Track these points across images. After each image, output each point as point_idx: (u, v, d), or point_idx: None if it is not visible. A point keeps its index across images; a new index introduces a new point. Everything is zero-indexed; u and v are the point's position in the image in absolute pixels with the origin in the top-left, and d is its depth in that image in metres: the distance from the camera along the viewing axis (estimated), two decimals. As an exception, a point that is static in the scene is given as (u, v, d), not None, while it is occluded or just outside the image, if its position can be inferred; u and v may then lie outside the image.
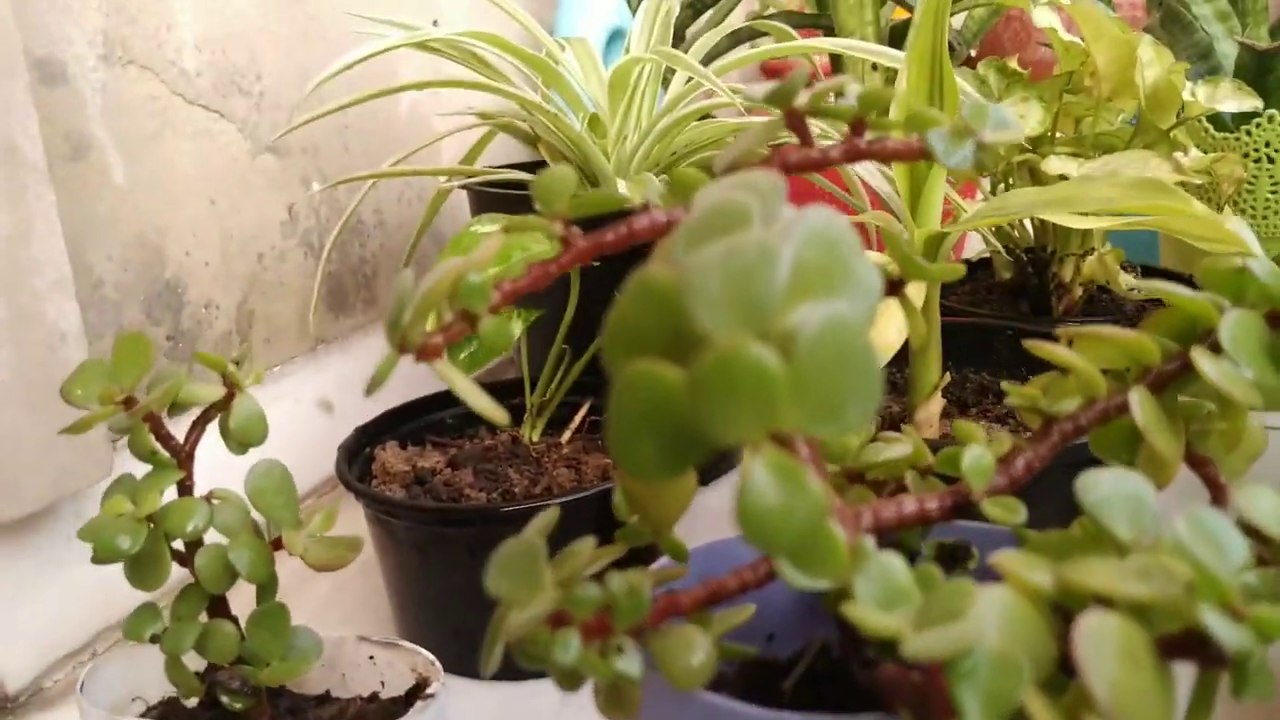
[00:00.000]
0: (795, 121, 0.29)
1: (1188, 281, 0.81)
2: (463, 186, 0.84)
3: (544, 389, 0.74)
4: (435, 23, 1.05)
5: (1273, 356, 0.30)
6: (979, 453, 0.30)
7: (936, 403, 0.58)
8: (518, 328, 0.71)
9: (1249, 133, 0.90)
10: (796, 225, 0.21)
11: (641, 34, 0.89)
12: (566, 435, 0.76)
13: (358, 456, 0.67)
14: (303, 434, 0.83)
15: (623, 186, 0.72)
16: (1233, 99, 0.66)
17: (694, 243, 0.21)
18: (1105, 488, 0.25)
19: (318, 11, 0.87)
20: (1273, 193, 0.91)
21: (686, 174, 0.30)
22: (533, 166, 0.89)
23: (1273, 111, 0.88)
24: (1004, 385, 0.32)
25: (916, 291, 0.54)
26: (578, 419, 0.77)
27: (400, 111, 1.00)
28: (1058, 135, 0.75)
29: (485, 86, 0.78)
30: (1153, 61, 0.69)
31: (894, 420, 0.60)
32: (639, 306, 0.21)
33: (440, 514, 0.60)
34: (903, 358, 0.60)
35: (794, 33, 1.01)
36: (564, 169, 0.29)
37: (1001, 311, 0.76)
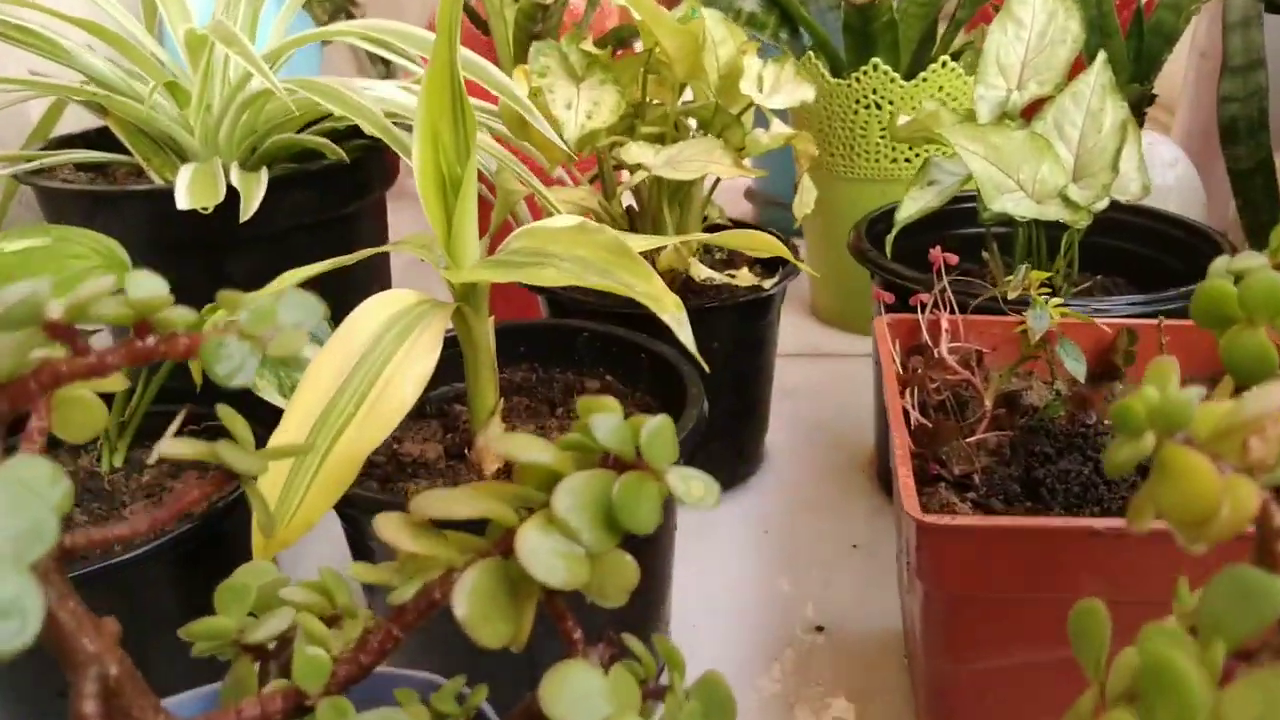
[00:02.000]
0: (60, 331, 0.26)
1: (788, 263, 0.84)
2: (16, 177, 0.74)
3: (121, 407, 0.68)
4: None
5: (609, 520, 0.30)
6: (314, 653, 0.29)
7: (495, 427, 0.57)
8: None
9: (858, 79, 0.93)
10: None
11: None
12: (155, 453, 0.71)
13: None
14: None
15: (182, 180, 0.65)
16: (785, 93, 0.67)
17: None
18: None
19: None
20: (881, 137, 0.94)
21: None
22: (107, 143, 0.80)
23: (877, 60, 0.91)
24: (352, 568, 0.31)
25: (444, 313, 0.52)
26: (170, 429, 0.72)
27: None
28: (654, 102, 0.75)
29: (22, 83, 0.68)
30: (725, 39, 0.69)
31: (459, 446, 0.60)
32: None
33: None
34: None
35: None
36: None
37: (599, 299, 0.76)
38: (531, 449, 0.31)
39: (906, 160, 0.95)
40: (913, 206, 0.67)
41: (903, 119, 0.66)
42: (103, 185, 0.75)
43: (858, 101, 0.93)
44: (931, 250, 0.58)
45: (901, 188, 0.96)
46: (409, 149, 0.63)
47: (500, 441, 0.31)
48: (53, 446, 0.71)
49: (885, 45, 0.92)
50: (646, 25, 0.68)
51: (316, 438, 0.47)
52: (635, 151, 0.68)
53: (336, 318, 0.70)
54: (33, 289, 0.25)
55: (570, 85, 0.69)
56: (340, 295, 0.82)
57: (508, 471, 0.58)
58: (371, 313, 0.51)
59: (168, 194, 0.67)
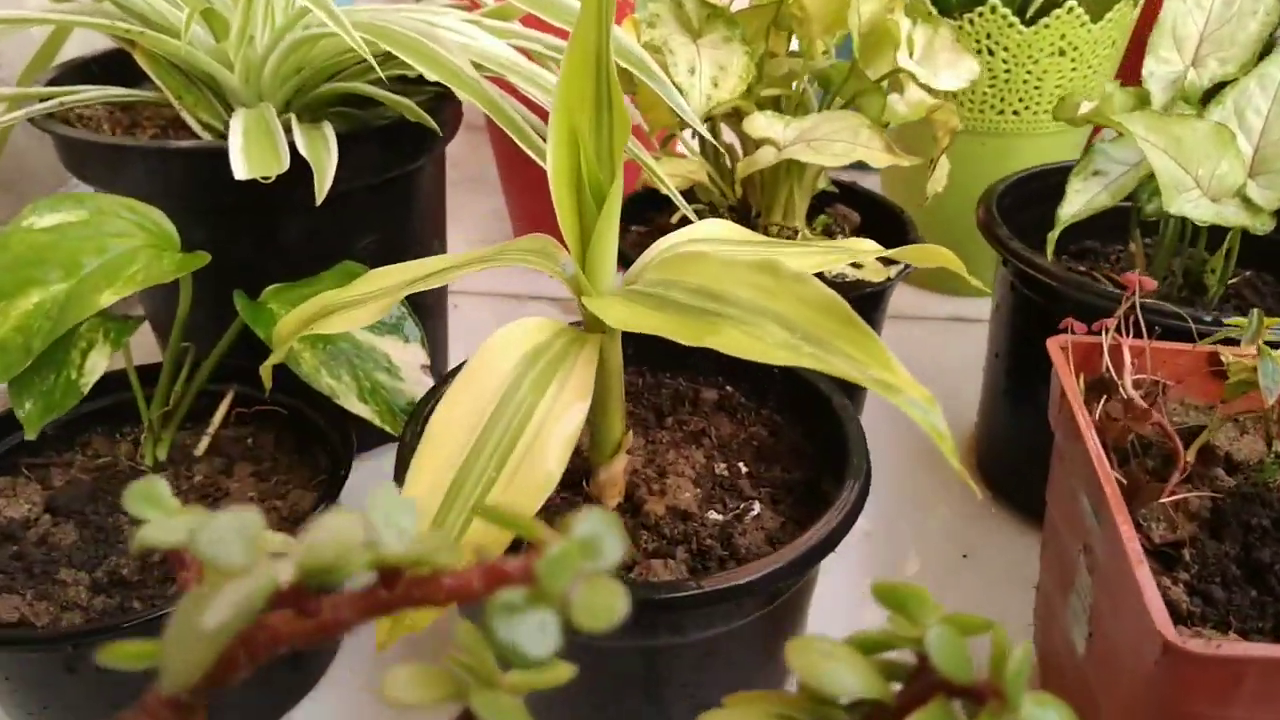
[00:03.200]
0: (291, 599, 0.19)
1: (897, 220, 0.76)
2: (33, 121, 0.64)
3: (163, 399, 0.60)
4: None
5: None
6: None
7: (620, 462, 0.50)
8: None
9: (971, 22, 0.83)
10: None
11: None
12: (203, 444, 0.63)
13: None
14: None
15: (235, 141, 0.55)
16: (947, 68, 0.57)
17: None
18: None
19: None
20: (990, 87, 0.85)
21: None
22: (124, 68, 0.69)
23: (995, 2, 0.81)
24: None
25: (590, 351, 0.45)
26: (218, 415, 0.64)
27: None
28: (771, 56, 0.65)
29: (42, 21, 0.57)
30: (870, -6, 0.59)
31: (574, 473, 0.52)
32: None
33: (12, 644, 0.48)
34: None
35: None
36: None
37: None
38: (843, 672, 0.24)
39: (1015, 113, 0.86)
40: (1079, 201, 0.59)
41: (1085, 105, 0.57)
42: (139, 139, 0.65)
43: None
44: (1126, 275, 0.51)
45: (1007, 143, 0.88)
46: (528, 138, 0.54)
47: (802, 659, 0.24)
48: (85, 429, 0.63)
49: (1003, -17, 0.82)
50: (783, -25, 0.59)
51: (452, 508, 0.40)
52: (762, 124, 0.59)
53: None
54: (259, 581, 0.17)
55: (688, 42, 0.59)
56: (399, 254, 0.73)
57: (634, 509, 0.51)
58: (507, 346, 0.43)
59: (217, 153, 0.58)
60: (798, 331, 0.36)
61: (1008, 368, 0.70)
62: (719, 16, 0.59)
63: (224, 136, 0.69)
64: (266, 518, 0.56)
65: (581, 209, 0.45)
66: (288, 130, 0.60)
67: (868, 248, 0.51)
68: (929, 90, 0.60)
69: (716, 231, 0.49)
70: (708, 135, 0.54)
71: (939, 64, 0.58)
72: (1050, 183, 0.75)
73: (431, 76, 0.54)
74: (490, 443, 0.41)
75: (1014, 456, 0.71)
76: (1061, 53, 0.84)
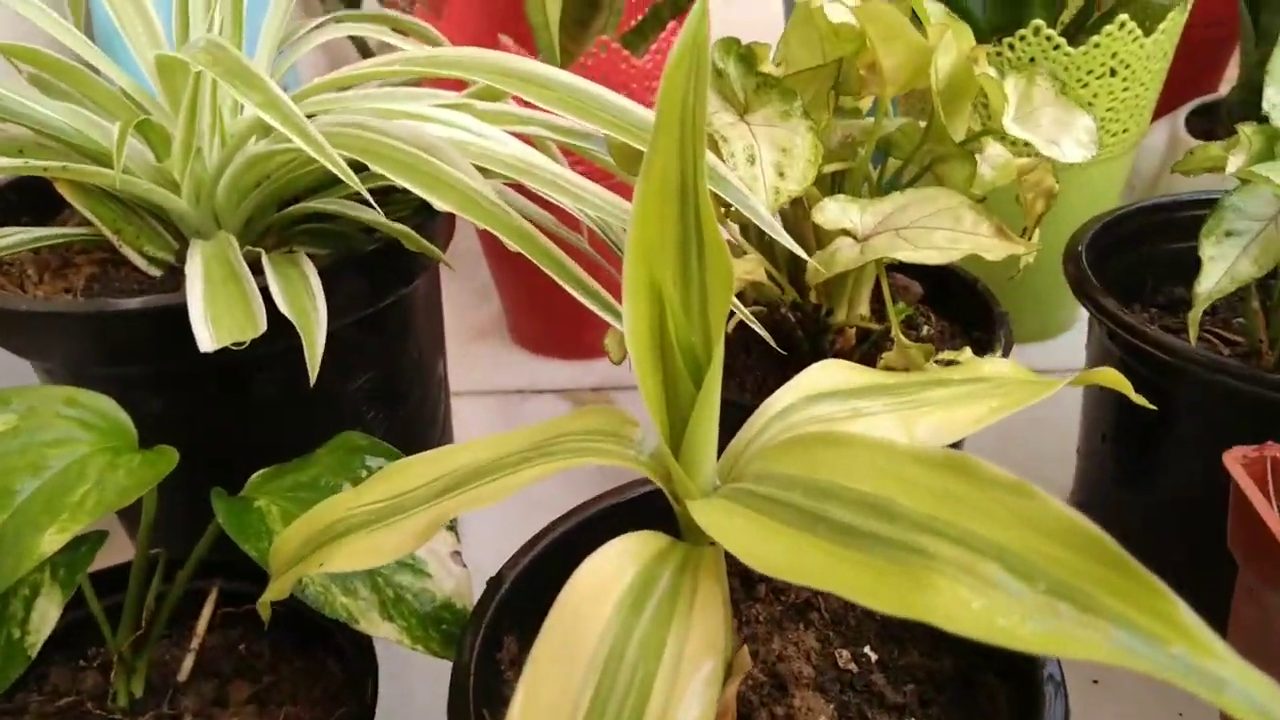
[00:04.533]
0: None
1: (970, 289, 0.66)
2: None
3: (132, 621, 0.48)
4: None
5: None
6: None
7: (733, 687, 0.40)
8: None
9: (1011, 46, 0.74)
10: None
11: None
12: (188, 664, 0.51)
13: None
14: None
15: (195, 298, 0.44)
16: (1061, 128, 0.47)
17: None
18: None
19: None
20: (1034, 115, 0.76)
21: None
22: (57, 200, 0.58)
23: (1039, 23, 0.72)
24: None
25: (710, 583, 0.34)
26: (201, 625, 0.52)
27: None
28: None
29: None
30: (950, 45, 0.49)
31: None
32: None
33: None
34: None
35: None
36: None
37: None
38: None
39: (1065, 143, 0.77)
40: (1217, 271, 0.49)
41: (1233, 160, 0.48)
42: (71, 303, 0.53)
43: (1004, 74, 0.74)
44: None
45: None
46: (584, 285, 0.43)
47: None
48: (40, 659, 0.51)
49: (1042, 2, 0.73)
50: (843, 30, 0.48)
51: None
52: (835, 213, 0.49)
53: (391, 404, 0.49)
54: None
55: (735, 121, 0.49)
56: (401, 390, 0.61)
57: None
58: (600, 588, 0.32)
59: (171, 311, 0.47)
60: (1038, 580, 0.26)
61: (1119, 454, 0.60)
62: (772, 87, 0.48)
63: (174, 269, 0.58)
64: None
65: (670, 382, 0.34)
66: (256, 269, 0.49)
67: (1010, 374, 0.41)
68: (1029, 149, 0.50)
69: (828, 381, 0.39)
70: (789, 241, 0.43)
71: (1042, 123, 0.48)
72: (1136, 226, 0.66)
73: (441, 206, 0.42)
74: (599, 735, 0.30)
75: (1137, 554, 0.61)
76: (1113, 72, 0.74)
